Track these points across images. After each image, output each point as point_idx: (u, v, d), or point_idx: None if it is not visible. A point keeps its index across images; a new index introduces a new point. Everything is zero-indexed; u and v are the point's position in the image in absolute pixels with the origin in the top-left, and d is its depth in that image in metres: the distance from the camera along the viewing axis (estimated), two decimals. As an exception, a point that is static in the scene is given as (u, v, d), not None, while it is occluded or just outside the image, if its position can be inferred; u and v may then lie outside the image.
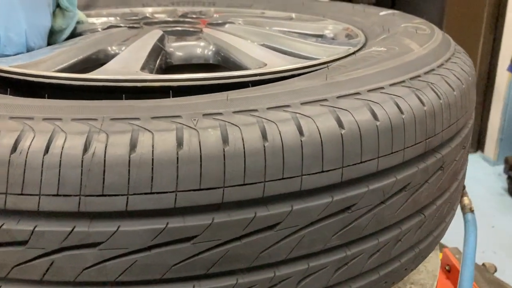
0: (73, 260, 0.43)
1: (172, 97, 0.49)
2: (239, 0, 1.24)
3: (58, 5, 0.74)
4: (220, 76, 0.55)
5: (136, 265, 0.43)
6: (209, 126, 0.43)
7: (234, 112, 0.45)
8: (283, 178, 0.44)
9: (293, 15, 1.09)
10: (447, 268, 1.38)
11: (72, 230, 0.42)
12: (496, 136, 3.46)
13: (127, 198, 0.41)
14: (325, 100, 0.48)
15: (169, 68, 0.73)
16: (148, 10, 1.09)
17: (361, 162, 0.47)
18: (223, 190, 0.42)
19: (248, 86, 0.53)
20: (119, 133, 0.41)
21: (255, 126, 0.44)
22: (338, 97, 0.49)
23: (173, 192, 0.41)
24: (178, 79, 0.54)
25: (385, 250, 0.54)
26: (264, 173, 0.43)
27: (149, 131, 0.42)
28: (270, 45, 0.78)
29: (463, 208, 1.16)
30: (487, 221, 2.79)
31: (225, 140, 0.42)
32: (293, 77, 0.56)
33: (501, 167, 3.32)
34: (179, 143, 0.41)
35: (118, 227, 0.42)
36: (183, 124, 0.43)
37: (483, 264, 1.60)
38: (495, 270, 1.52)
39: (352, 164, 0.47)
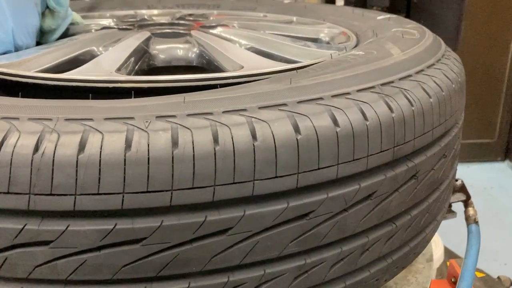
0: (25, 258, 0.43)
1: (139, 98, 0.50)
2: (243, 3, 1.24)
3: (48, 6, 0.76)
4: (189, 78, 0.56)
5: (86, 265, 0.44)
6: (161, 129, 0.43)
7: (188, 115, 0.45)
8: (234, 183, 0.44)
9: (294, 18, 1.08)
10: (452, 280, 1.34)
11: (23, 227, 0.42)
12: (524, 145, 3.34)
13: (75, 198, 0.41)
14: (285, 104, 0.47)
15: (153, 70, 0.74)
16: (152, 12, 1.11)
17: (318, 169, 0.46)
18: (171, 193, 0.42)
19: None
20: (70, 134, 0.42)
21: (207, 129, 0.43)
22: (299, 101, 0.48)
23: (120, 193, 0.42)
24: (147, 81, 0.55)
25: (350, 259, 0.53)
26: (214, 177, 0.43)
27: (99, 132, 0.42)
28: (257, 48, 0.78)
29: (467, 219, 1.13)
30: (512, 232, 2.69)
31: (175, 143, 0.42)
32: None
33: (529, 177, 3.21)
34: (128, 145, 0.42)
35: (67, 226, 0.42)
36: (135, 126, 0.43)
37: (498, 277, 1.54)
38: (511, 284, 1.47)
39: (309, 170, 0.46)
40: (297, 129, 0.45)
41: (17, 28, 0.69)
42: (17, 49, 0.71)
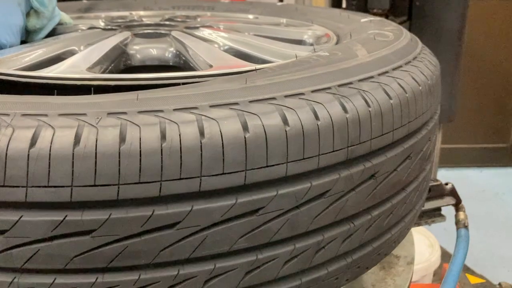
0: (-19, 246, 0.45)
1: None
2: (237, 5, 1.25)
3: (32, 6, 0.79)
4: (151, 77, 0.57)
5: (39, 254, 0.46)
6: (110, 125, 0.45)
7: (139, 112, 0.46)
8: (180, 179, 0.45)
9: (284, 20, 1.09)
10: (445, 284, 1.33)
11: (-21, 217, 0.44)
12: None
13: (26, 190, 0.43)
14: (236, 103, 0.49)
15: (130, 69, 0.76)
16: (144, 14, 1.13)
17: (267, 166, 0.47)
18: (118, 187, 0.44)
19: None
20: (24, 128, 0.44)
21: (156, 126, 0.45)
22: (251, 101, 0.49)
23: (69, 186, 0.43)
24: (108, 79, 0.57)
25: (304, 257, 0.53)
26: (160, 172, 0.44)
27: (51, 127, 0.44)
28: (236, 49, 0.79)
29: (457, 223, 1.12)
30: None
31: (123, 138, 0.44)
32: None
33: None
34: (77, 140, 0.43)
35: (21, 216, 0.44)
36: (86, 122, 0.45)
37: (499, 284, 1.53)
38: (512, 291, 1.45)
39: (257, 167, 0.47)
40: (245, 127, 0.47)
41: (0, 28, 0.72)
42: (0, 47, 0.74)
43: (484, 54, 3.03)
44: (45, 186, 0.43)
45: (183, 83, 0.56)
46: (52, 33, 0.87)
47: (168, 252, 0.47)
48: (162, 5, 1.25)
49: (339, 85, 0.54)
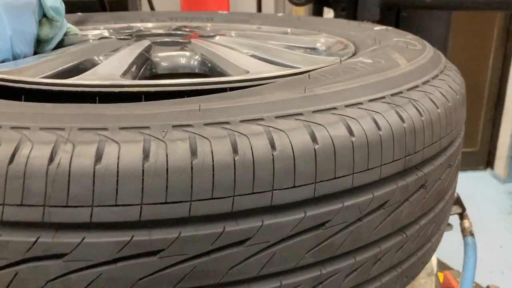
0: (36, 272, 0.42)
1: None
2: (236, 16, 1.24)
3: (45, 15, 0.75)
4: (197, 82, 0.55)
5: (101, 278, 0.42)
6: (178, 138, 0.42)
7: (205, 124, 0.44)
8: (253, 193, 0.43)
9: (289, 30, 1.09)
10: (447, 292, 1.35)
11: (36, 240, 0.41)
12: (506, 154, 3.43)
13: (92, 209, 0.40)
14: (301, 114, 0.47)
15: (155, 77, 0.73)
16: (146, 25, 1.10)
17: (335, 178, 0.46)
18: (190, 204, 0.42)
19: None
20: (85, 144, 0.41)
21: (226, 139, 0.43)
22: (314, 111, 0.48)
23: (138, 205, 0.41)
24: (155, 85, 0.54)
25: (363, 270, 0.52)
26: (233, 187, 0.42)
27: (115, 142, 0.41)
28: (259, 56, 0.78)
29: (463, 231, 1.14)
30: (496, 241, 2.74)
31: (193, 153, 0.42)
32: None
33: (511, 185, 3.28)
34: (146, 155, 0.41)
35: (83, 238, 0.41)
36: (151, 136, 0.42)
37: (488, 287, 1.56)
38: (500, 292, 1.48)
39: (326, 179, 0.46)
40: (314, 139, 0.45)
41: (15, 36, 0.68)
42: (15, 57, 0.70)
43: (458, 64, 3.15)
44: (112, 205, 0.41)
45: (230, 88, 0.54)
46: (61, 44, 0.83)
47: (237, 271, 0.45)
48: (159, 17, 1.23)
49: (392, 95, 0.54)
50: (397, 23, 1.68)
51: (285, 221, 0.45)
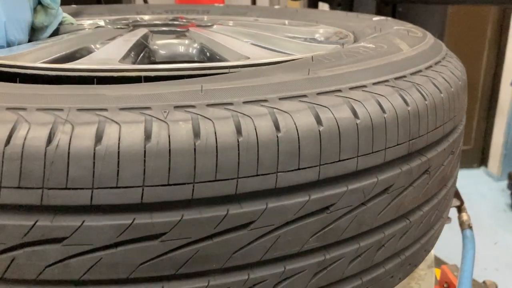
0: (35, 257, 0.41)
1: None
2: (233, 9, 1.23)
3: (39, 2, 0.74)
4: (197, 67, 0.54)
5: (102, 263, 0.41)
6: (181, 119, 0.41)
7: (208, 105, 0.43)
8: (257, 175, 0.42)
9: (286, 21, 1.08)
10: (445, 286, 1.35)
11: (35, 224, 0.40)
12: (499, 151, 3.44)
13: (92, 192, 0.39)
14: (305, 96, 0.46)
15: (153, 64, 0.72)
16: (142, 17, 1.09)
17: (339, 161, 0.45)
18: (193, 186, 0.41)
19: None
20: (85, 125, 0.40)
21: (229, 120, 0.42)
22: (319, 93, 0.47)
23: (140, 187, 0.40)
24: (154, 69, 0.53)
25: (367, 255, 0.52)
26: (237, 169, 0.41)
27: (116, 122, 0.40)
28: (257, 44, 0.77)
29: (461, 224, 1.14)
30: (490, 238, 2.75)
31: (196, 134, 0.41)
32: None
33: (504, 183, 3.30)
34: (147, 136, 0.40)
35: (83, 222, 0.40)
36: (152, 116, 0.41)
37: (484, 282, 1.56)
38: (496, 288, 1.48)
39: (330, 162, 0.45)
40: (319, 121, 0.45)
41: (9, 23, 0.66)
42: (9, 44, 0.68)
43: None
44: (113, 187, 0.39)
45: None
46: (56, 33, 0.81)
47: (240, 255, 0.44)
48: (155, 10, 1.21)
49: (395, 78, 0.53)
50: (393, 18, 1.68)
51: (290, 204, 0.44)
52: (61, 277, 0.42)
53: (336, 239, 0.48)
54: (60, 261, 0.41)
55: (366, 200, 0.49)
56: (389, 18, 0.90)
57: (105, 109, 0.42)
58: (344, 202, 0.47)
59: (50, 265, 0.41)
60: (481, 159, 3.63)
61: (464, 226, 1.10)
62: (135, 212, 0.41)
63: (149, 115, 0.41)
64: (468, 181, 3.48)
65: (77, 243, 0.40)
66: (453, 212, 1.12)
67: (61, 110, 0.41)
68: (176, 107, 0.42)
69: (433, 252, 1.95)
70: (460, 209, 1.12)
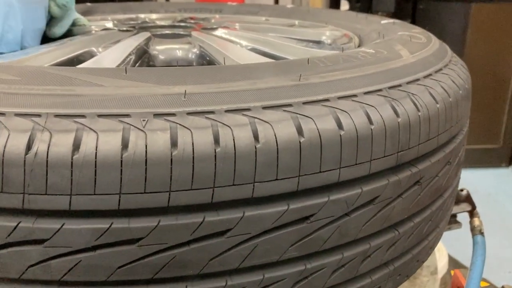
0: (18, 257, 0.42)
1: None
2: (245, 8, 1.23)
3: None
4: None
5: (81, 265, 0.43)
6: (159, 129, 0.42)
7: (188, 113, 0.43)
8: (233, 185, 0.42)
9: (296, 22, 1.07)
10: (457, 290, 1.32)
11: (17, 225, 0.41)
12: (529, 151, 3.33)
13: (70, 198, 0.40)
14: (290, 105, 0.46)
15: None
16: (150, 17, 1.10)
17: (320, 172, 0.45)
18: (169, 194, 0.41)
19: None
20: (63, 132, 0.41)
21: (208, 130, 0.42)
22: (305, 102, 0.47)
23: (116, 194, 0.41)
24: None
25: (351, 266, 0.51)
26: (213, 179, 0.42)
27: (93, 131, 0.41)
28: (259, 49, 0.77)
29: (473, 230, 1.11)
30: (518, 239, 2.67)
31: (174, 144, 0.41)
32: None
33: (534, 183, 3.18)
34: (124, 146, 0.40)
35: (62, 224, 0.41)
36: (131, 125, 0.42)
37: (503, 287, 1.52)
38: (515, 293, 1.45)
39: (310, 173, 0.45)
40: (300, 132, 0.44)
41: (26, 31, 0.69)
42: (21, 49, 0.70)
43: (479, 57, 3.06)
44: (90, 194, 0.40)
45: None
46: (70, 34, 0.83)
47: (217, 262, 0.45)
48: (169, 8, 1.22)
49: (389, 87, 0.52)
50: (414, 16, 1.64)
51: (267, 213, 0.44)
52: (43, 277, 0.43)
53: (317, 249, 0.48)
54: (42, 261, 0.42)
55: (349, 210, 0.48)
56: (397, 21, 0.88)
57: (83, 116, 0.42)
58: (326, 212, 0.47)
59: (32, 265, 0.43)
60: (510, 158, 3.52)
61: (476, 231, 1.07)
62: (113, 217, 0.42)
63: (128, 123, 0.42)
64: (496, 180, 3.38)
65: (57, 245, 0.42)
66: (463, 217, 1.09)
67: (39, 116, 0.42)
68: (156, 115, 0.43)
69: (437, 255, 1.92)
70: (472, 214, 1.10)
